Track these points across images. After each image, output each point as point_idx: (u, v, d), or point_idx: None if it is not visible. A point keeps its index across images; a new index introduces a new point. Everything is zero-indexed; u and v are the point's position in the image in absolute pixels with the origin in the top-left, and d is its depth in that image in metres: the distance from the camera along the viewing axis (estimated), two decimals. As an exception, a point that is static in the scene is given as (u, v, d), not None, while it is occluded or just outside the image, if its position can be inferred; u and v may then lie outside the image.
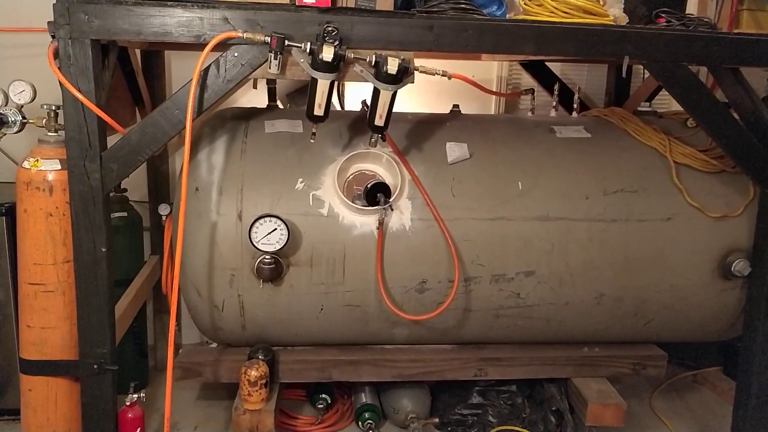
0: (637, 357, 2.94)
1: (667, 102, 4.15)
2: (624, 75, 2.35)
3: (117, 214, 3.20)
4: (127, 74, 2.94)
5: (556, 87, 3.09)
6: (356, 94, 3.63)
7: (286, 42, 2.11)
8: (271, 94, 3.00)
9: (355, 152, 2.62)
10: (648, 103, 3.13)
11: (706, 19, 2.78)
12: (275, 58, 2.11)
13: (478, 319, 2.74)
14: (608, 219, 2.66)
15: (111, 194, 3.25)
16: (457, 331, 2.78)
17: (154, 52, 3.29)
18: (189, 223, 2.53)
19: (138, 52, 3.18)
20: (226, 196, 2.53)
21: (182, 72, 3.55)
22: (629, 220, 2.68)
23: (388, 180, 2.63)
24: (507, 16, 2.49)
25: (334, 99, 3.74)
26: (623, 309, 2.77)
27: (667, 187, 2.72)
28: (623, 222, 2.67)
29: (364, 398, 3.01)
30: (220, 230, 2.51)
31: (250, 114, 2.82)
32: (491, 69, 3.86)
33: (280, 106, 3.59)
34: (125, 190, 3.30)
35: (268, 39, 2.09)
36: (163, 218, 2.86)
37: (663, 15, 2.74)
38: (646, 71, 3.69)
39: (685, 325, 2.89)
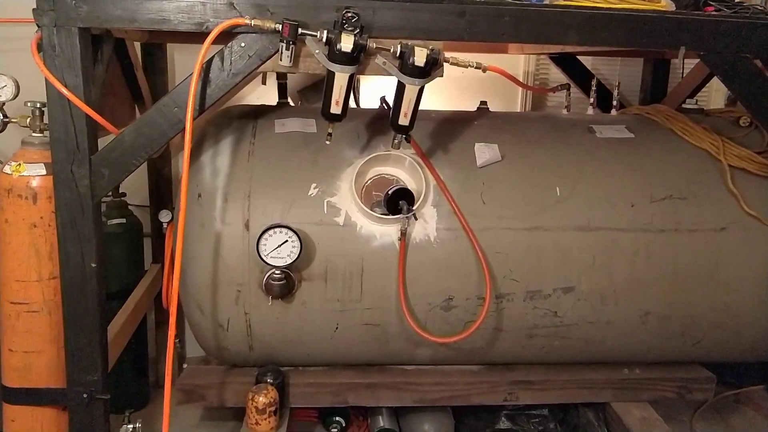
0: (683, 380, 2.68)
1: (705, 99, 3.87)
2: (682, 67, 2.09)
3: (115, 221, 2.98)
4: (125, 69, 2.70)
5: (594, 82, 2.82)
6: (372, 90, 3.37)
7: (300, 30, 1.85)
8: (282, 91, 2.76)
9: (374, 154, 2.36)
10: (694, 100, 2.85)
11: (759, 8, 2.51)
12: (287, 49, 1.86)
13: (509, 339, 2.48)
14: (656, 229, 2.40)
15: (108, 199, 3.06)
16: (485, 351, 2.52)
17: (156, 45, 3.05)
18: (191, 232, 2.29)
19: (138, 45, 2.95)
20: (232, 203, 2.28)
21: (186, 66, 3.29)
22: (679, 231, 2.41)
23: (411, 185, 2.38)
24: (547, 1, 2.22)
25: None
26: (670, 328, 2.51)
27: (721, 194, 2.46)
28: (672, 232, 2.41)
29: (382, 422, 2.74)
30: (225, 241, 2.26)
31: (259, 112, 2.57)
32: (518, 63, 3.60)
33: (291, 103, 3.35)
34: (124, 194, 3.06)
35: (279, 27, 1.84)
36: (164, 226, 2.62)
37: (712, 3, 2.49)
38: (684, 66, 3.44)
39: (737, 346, 2.63)
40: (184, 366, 2.76)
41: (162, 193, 3.25)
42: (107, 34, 2.20)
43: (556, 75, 3.59)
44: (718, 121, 2.74)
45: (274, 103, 2.78)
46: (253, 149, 2.37)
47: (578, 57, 3.33)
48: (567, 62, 3.31)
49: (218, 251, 2.26)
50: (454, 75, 3.18)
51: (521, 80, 3.56)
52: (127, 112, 2.77)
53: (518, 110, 3.66)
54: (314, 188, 2.32)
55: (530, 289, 2.39)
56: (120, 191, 3.05)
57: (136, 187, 3.31)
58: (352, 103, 3.46)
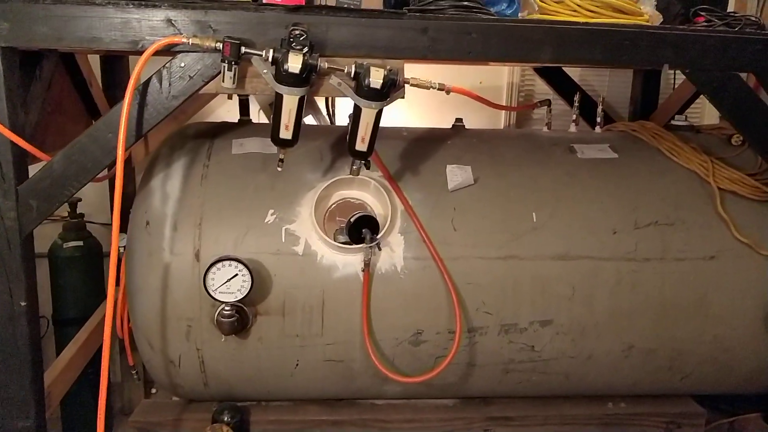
0: (671, 414, 2.51)
1: (698, 113, 3.71)
2: (674, 79, 1.93)
3: (72, 244, 2.83)
4: (77, 84, 2.54)
5: (577, 97, 2.64)
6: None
7: (243, 49, 1.69)
8: (244, 108, 2.59)
9: (337, 178, 2.20)
10: (684, 116, 2.68)
11: (753, 19, 2.35)
12: (229, 69, 1.70)
13: (484, 374, 2.31)
14: (640, 258, 2.23)
15: (65, 221, 2.91)
16: (459, 387, 2.36)
17: (116, 57, 2.89)
18: (138, 263, 2.14)
19: (95, 57, 2.79)
20: (182, 231, 2.11)
21: (150, 79, 3.14)
22: (665, 259, 2.25)
23: (378, 210, 2.22)
24: (519, 15, 2.06)
25: (323, 111, 3.34)
26: (656, 363, 2.34)
27: (711, 219, 2.29)
28: (658, 261, 2.24)
29: (353, 458, 2.59)
30: (173, 273, 2.10)
31: (218, 131, 2.40)
32: (501, 75, 3.44)
33: (264, 119, 3.19)
34: (82, 215, 2.90)
35: (220, 45, 1.67)
36: (121, 250, 2.46)
37: (702, 13, 2.34)
38: (675, 78, 3.28)
39: (729, 380, 2.46)
40: (153, 391, 2.62)
41: (125, 211, 3.07)
42: (48, 49, 2.04)
43: (543, 86, 3.43)
44: (708, 139, 2.57)
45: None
46: (206, 172, 2.21)
47: (564, 68, 3.17)
48: (552, 74, 3.14)
49: (167, 283, 2.10)
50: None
51: (505, 92, 3.40)
52: (80, 132, 2.59)
53: (502, 124, 3.49)
54: (271, 215, 2.15)
55: (505, 323, 2.22)
56: (78, 212, 2.89)
57: (98, 202, 3.16)
58: (327, 120, 3.34)
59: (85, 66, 2.53)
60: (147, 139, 3.01)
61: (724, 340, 2.33)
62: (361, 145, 1.88)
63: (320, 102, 3.29)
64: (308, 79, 1.73)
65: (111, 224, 3.07)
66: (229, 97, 2.85)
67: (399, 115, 3.27)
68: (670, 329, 2.29)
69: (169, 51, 1.74)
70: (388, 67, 1.76)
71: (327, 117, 3.23)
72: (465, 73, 3.29)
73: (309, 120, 3.28)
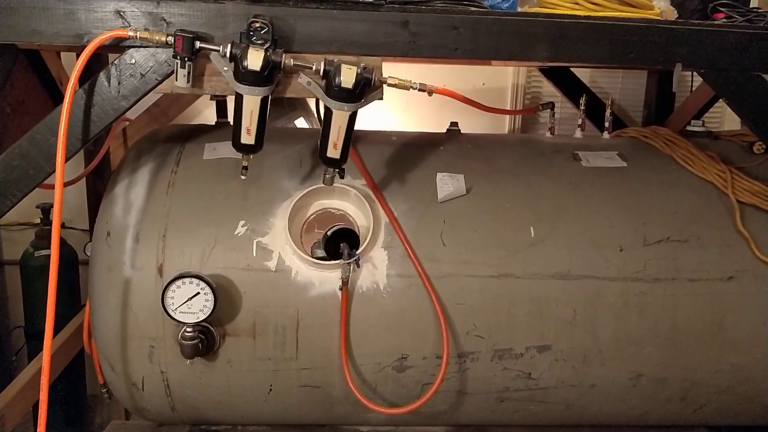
0: (684, 449, 2.29)
1: (717, 118, 3.47)
2: (691, 80, 1.73)
3: (43, 252, 2.67)
4: (46, 82, 2.38)
5: (583, 100, 2.44)
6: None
7: (198, 44, 1.51)
8: (221, 109, 2.41)
9: (316, 186, 2.01)
10: (701, 121, 2.47)
11: (778, 14, 2.14)
12: (182, 66, 1.52)
13: (476, 403, 2.11)
14: (650, 278, 2.03)
15: (37, 228, 2.76)
16: (450, 415, 2.17)
17: (93, 53, 2.72)
18: (98, 277, 1.98)
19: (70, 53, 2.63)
20: (144, 243, 1.94)
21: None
22: (677, 280, 2.03)
23: (360, 222, 2.03)
24: (518, 9, 1.86)
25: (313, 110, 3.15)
26: (667, 393, 2.13)
27: (729, 236, 2.08)
28: (669, 282, 2.03)
29: (337, 487, 2.40)
30: (135, 289, 1.93)
31: (191, 134, 2.23)
32: (505, 75, 3.23)
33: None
34: (56, 221, 2.74)
35: (172, 39, 1.50)
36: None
37: (722, 9, 2.15)
38: (693, 79, 3.05)
39: (748, 411, 2.24)
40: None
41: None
42: (5, 46, 1.88)
43: (550, 88, 3.22)
44: (728, 147, 2.35)
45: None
46: (174, 179, 2.03)
47: (572, 69, 2.96)
48: (559, 75, 2.93)
49: (127, 300, 1.93)
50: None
51: (510, 94, 3.20)
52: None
53: (506, 128, 3.29)
54: (242, 226, 1.97)
55: (499, 348, 2.02)
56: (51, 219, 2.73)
57: (78, 210, 3.01)
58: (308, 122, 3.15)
59: (54, 63, 2.37)
60: (127, 141, 2.86)
61: (743, 370, 2.11)
62: (333, 152, 1.69)
63: (311, 103, 3.11)
64: (271, 78, 1.55)
65: (86, 230, 2.98)
66: (211, 98, 2.67)
67: (394, 118, 3.08)
68: (683, 357, 2.07)
69: (118, 46, 1.56)
70: (362, 65, 1.57)
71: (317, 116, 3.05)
72: (466, 74, 3.10)
73: (301, 123, 3.10)
